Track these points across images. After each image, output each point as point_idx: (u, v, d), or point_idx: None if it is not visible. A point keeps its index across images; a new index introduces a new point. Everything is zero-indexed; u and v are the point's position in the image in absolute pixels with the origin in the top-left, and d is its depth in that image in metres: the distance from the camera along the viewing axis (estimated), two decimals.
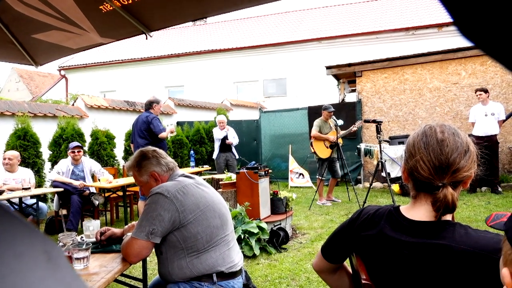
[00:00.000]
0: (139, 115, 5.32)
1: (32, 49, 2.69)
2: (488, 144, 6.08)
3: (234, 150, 7.60)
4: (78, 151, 5.18)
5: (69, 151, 5.17)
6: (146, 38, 2.33)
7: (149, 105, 5.26)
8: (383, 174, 6.11)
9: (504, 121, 6.42)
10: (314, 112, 8.22)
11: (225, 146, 7.46)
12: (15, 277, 0.25)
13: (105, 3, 2.06)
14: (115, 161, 6.86)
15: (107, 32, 2.38)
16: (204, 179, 2.21)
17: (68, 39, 2.45)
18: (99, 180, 5.31)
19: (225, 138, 7.47)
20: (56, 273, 0.28)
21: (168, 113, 9.56)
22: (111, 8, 2.09)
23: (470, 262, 0.92)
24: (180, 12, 2.19)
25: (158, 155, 1.95)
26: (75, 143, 5.23)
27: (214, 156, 7.53)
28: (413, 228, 1.03)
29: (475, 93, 6.47)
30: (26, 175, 4.88)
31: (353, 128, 6.39)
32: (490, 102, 6.32)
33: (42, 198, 5.52)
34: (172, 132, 5.41)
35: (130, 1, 2.05)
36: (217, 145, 7.50)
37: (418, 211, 1.05)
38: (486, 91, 6.31)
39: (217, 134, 7.47)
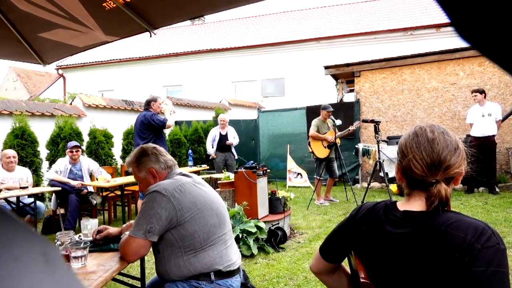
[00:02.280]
0: (138, 116, 5.31)
1: (39, 48, 2.69)
2: (485, 145, 6.10)
3: (233, 150, 7.61)
4: (77, 151, 5.17)
5: (68, 150, 5.16)
6: (150, 36, 2.32)
7: (147, 104, 5.24)
8: (381, 174, 6.13)
9: (501, 121, 6.44)
10: (312, 112, 8.22)
11: (224, 146, 7.46)
12: (13, 279, 0.25)
13: (108, 0, 2.06)
14: (113, 160, 6.85)
15: (111, 30, 2.38)
16: (202, 178, 2.21)
17: (74, 37, 2.45)
18: (97, 179, 5.30)
19: (225, 138, 7.49)
20: (54, 275, 0.29)
21: (162, 111, 9.56)
22: (114, 5, 2.09)
23: (448, 241, 0.97)
24: (183, 9, 2.19)
25: (158, 153, 1.96)
26: (74, 143, 5.21)
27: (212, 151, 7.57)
28: (406, 219, 1.07)
29: (471, 94, 6.49)
30: (23, 174, 4.87)
31: (351, 128, 6.40)
32: (487, 103, 6.34)
33: (40, 197, 5.51)
34: (173, 111, 5.40)
35: None
36: (214, 146, 7.52)
37: (412, 205, 1.10)
38: (481, 92, 6.32)
39: (209, 143, 7.54)
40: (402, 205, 1.13)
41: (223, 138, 7.52)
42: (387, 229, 1.09)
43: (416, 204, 1.09)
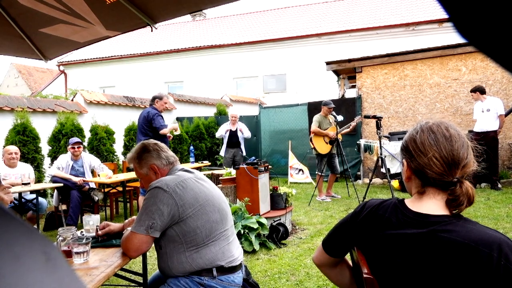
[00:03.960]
0: (142, 111, 5.32)
1: (41, 43, 2.68)
2: (484, 140, 6.09)
3: (242, 147, 7.60)
4: (78, 147, 5.18)
5: (69, 146, 5.17)
6: (152, 30, 2.31)
7: (152, 100, 5.29)
8: (383, 170, 6.12)
9: (504, 116, 6.42)
10: (313, 108, 8.21)
11: (233, 142, 7.47)
12: (14, 278, 0.25)
13: None
14: (115, 157, 6.86)
15: (112, 24, 2.37)
16: (204, 174, 2.20)
17: (75, 32, 2.44)
18: (98, 175, 5.31)
19: (235, 134, 7.48)
20: (54, 274, 0.28)
21: (167, 108, 9.55)
22: None
23: (469, 256, 0.93)
24: (184, 2, 2.18)
25: (159, 149, 1.95)
26: (75, 139, 5.22)
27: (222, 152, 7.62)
28: (419, 221, 1.03)
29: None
30: (25, 170, 4.87)
31: (352, 123, 6.39)
32: (488, 98, 6.34)
33: (42, 193, 5.52)
34: (175, 130, 5.40)
35: None
36: (225, 140, 7.54)
37: (425, 205, 1.05)
38: (475, 91, 6.35)
39: (220, 130, 7.55)
40: (413, 203, 1.07)
41: (233, 134, 7.51)
42: (395, 230, 1.05)
43: (430, 203, 1.04)
